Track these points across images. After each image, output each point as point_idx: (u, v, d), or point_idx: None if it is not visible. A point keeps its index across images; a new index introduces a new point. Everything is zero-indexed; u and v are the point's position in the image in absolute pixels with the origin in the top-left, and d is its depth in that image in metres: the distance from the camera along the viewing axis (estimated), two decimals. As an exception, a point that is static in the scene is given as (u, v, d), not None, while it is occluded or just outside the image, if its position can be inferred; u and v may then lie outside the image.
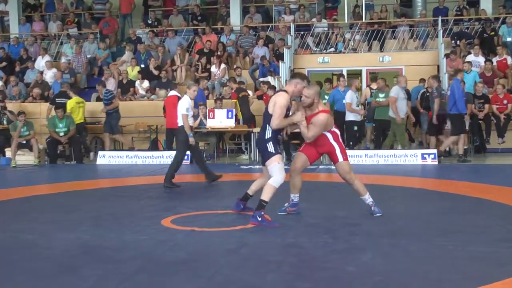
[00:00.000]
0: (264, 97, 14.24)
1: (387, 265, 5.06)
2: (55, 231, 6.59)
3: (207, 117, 13.25)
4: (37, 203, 8.54)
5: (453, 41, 16.59)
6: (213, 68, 16.04)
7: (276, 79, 15.27)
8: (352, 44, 17.54)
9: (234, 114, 13.22)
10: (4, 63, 17.78)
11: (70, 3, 20.72)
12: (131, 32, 18.40)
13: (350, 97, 13.11)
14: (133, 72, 16.49)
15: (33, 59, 17.79)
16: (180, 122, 9.67)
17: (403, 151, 12.70)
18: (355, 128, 13.36)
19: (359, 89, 14.93)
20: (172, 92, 13.51)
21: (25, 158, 13.50)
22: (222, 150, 14.38)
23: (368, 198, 7.11)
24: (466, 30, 17.07)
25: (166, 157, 13.17)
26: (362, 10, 17.02)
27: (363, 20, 17.36)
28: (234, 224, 6.71)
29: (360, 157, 12.56)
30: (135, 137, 15.34)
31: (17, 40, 18.84)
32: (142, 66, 16.70)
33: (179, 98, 13.50)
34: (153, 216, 7.18)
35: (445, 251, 5.41)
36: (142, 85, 15.99)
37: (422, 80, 14.59)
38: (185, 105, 9.67)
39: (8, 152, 13.68)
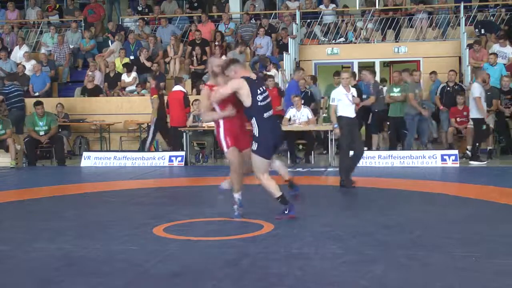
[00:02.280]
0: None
1: (402, 279, 5.06)
2: (34, 241, 6.58)
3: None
4: (14, 210, 8.55)
5: (476, 30, 16.59)
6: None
7: (280, 72, 15.27)
8: (364, 33, 17.55)
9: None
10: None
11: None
12: (110, 25, 18.36)
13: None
14: (121, 64, 16.51)
15: (9, 49, 17.79)
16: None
17: (420, 152, 12.70)
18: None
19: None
20: (177, 87, 13.60)
21: (1, 160, 13.50)
22: (220, 151, 14.37)
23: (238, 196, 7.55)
24: (491, 18, 17.07)
25: (158, 158, 13.18)
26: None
27: (377, 7, 17.37)
28: (233, 233, 6.72)
29: (373, 158, 12.56)
30: (123, 137, 15.37)
31: (-8, 28, 18.87)
32: (132, 57, 16.72)
33: (184, 94, 13.62)
34: (143, 224, 7.19)
35: (467, 264, 5.41)
36: (128, 78, 15.98)
37: (433, 73, 14.54)
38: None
39: (-18, 154, 13.70)
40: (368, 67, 16.79)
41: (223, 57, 15.89)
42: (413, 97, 12.79)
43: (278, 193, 7.28)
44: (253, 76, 7.25)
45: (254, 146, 7.08)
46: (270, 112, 7.14)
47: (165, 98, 14.11)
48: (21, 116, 14.61)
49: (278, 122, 7.58)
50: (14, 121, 14.32)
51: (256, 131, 7.05)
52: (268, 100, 7.13)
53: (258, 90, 7.00)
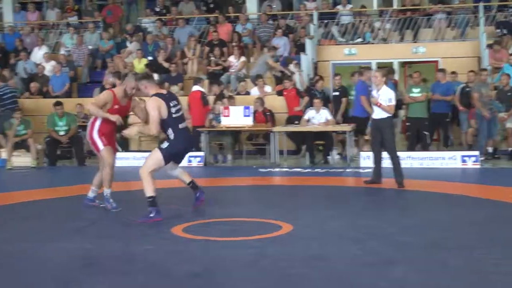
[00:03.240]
0: (285, 93, 14.23)
1: (422, 280, 5.02)
2: (54, 241, 6.62)
3: (221, 114, 13.25)
4: (34, 209, 8.59)
5: (498, 30, 16.45)
6: (232, 58, 16.03)
7: (298, 73, 15.22)
8: (382, 33, 17.48)
9: (251, 111, 13.17)
10: (-3, 55, 17.92)
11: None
12: (128, 26, 18.44)
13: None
14: (140, 64, 16.54)
15: (28, 50, 17.91)
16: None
17: (440, 153, 12.61)
18: None
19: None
20: (196, 87, 13.66)
21: (22, 160, 13.59)
22: (238, 152, 14.37)
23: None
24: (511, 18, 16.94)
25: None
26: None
27: (394, 7, 17.29)
28: (251, 234, 6.71)
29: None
30: (142, 137, 15.39)
31: (13, 30, 18.96)
32: (150, 58, 16.76)
33: (202, 93, 13.66)
34: (162, 224, 7.20)
35: (488, 266, 5.36)
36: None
37: (440, 71, 14.30)
38: None
39: (4, 153, 13.79)
40: (386, 67, 16.69)
41: (242, 58, 15.93)
42: (477, 97, 12.70)
43: (152, 193, 7.39)
44: (163, 91, 7.77)
45: (164, 145, 7.49)
46: (184, 124, 7.64)
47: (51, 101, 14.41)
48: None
49: (190, 134, 8.15)
50: (8, 123, 14.26)
51: (172, 136, 7.45)
52: (181, 113, 7.60)
53: (171, 103, 7.45)
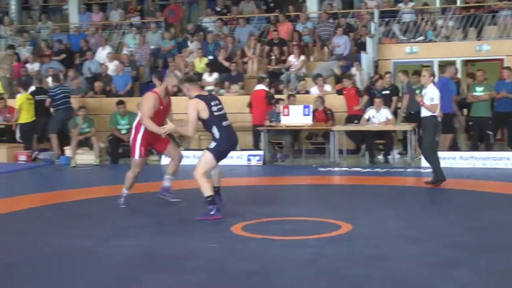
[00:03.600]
0: (344, 92, 14.13)
1: (484, 282, 4.93)
2: (115, 237, 6.74)
3: (281, 113, 13.24)
4: (97, 206, 8.77)
5: None
6: (292, 58, 16.01)
7: (359, 72, 15.11)
8: (445, 31, 17.17)
9: (310, 110, 13.12)
10: (63, 55, 18.32)
11: (132, -11, 21.19)
12: (189, 26, 18.62)
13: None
14: (200, 64, 16.68)
15: (93, 50, 18.27)
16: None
17: (504, 153, 12.31)
18: None
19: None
20: (260, 86, 13.76)
21: (85, 158, 13.85)
22: (298, 151, 14.33)
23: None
24: None
25: (236, 157, 13.24)
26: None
27: (458, 4, 16.96)
28: (309, 233, 6.69)
29: (453, 159, 12.25)
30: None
31: (78, 30, 19.37)
32: (210, 57, 16.88)
33: (266, 92, 13.73)
34: (222, 222, 7.24)
35: (555, 269, 5.22)
36: (209, 79, 16.11)
37: (506, 69, 13.89)
38: None
39: (68, 151, 14.10)
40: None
41: (302, 57, 15.89)
42: None
43: (209, 193, 7.47)
44: (205, 93, 8.03)
45: (212, 145, 7.62)
46: (228, 122, 7.76)
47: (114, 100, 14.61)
48: (67, 117, 14.70)
49: (234, 132, 8.01)
50: (59, 122, 14.59)
51: (217, 135, 7.61)
52: (223, 111, 7.75)
53: (212, 103, 7.63)
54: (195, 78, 8.53)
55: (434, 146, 9.97)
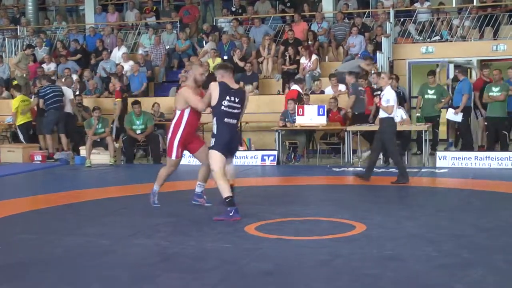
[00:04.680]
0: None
1: (501, 284, 4.91)
2: (131, 237, 6.78)
3: (296, 113, 13.23)
4: (113, 206, 8.81)
5: None
6: (303, 60, 16.01)
7: (373, 70, 15.08)
8: (461, 31, 17.09)
9: (325, 110, 13.09)
10: (79, 55, 18.43)
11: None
12: (205, 26, 18.67)
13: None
14: (214, 64, 16.71)
15: (109, 50, 18.36)
16: None
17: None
18: None
19: None
20: (295, 86, 13.90)
21: (100, 158, 13.92)
22: (312, 151, 14.33)
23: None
24: None
25: (250, 157, 13.28)
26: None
27: (474, 4, 16.88)
28: (324, 233, 6.70)
29: (469, 159, 12.20)
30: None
31: (94, 31, 19.48)
32: (225, 57, 16.92)
33: (299, 93, 13.75)
34: (236, 222, 7.25)
35: None
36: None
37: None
38: None
39: (83, 151, 14.18)
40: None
41: (313, 56, 15.87)
42: None
43: (228, 194, 7.44)
44: (233, 86, 7.79)
45: (212, 142, 7.65)
46: (232, 121, 7.66)
47: (129, 100, 14.71)
48: (60, 116, 14.90)
49: (236, 131, 8.07)
50: (52, 122, 14.78)
51: (214, 130, 7.64)
52: (235, 111, 7.66)
53: (227, 97, 7.58)
54: (230, 66, 8.27)
55: (394, 145, 10.40)
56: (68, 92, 15.33)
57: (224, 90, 7.61)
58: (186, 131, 8.13)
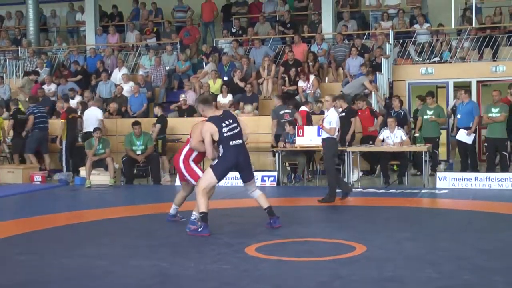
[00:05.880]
0: (359, 113, 14.12)
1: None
2: (130, 258, 6.76)
3: (296, 134, 13.24)
4: (112, 227, 8.80)
5: None
6: (301, 83, 16.00)
7: (374, 92, 15.11)
8: (460, 52, 17.16)
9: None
10: (79, 77, 18.48)
11: (149, 11, 21.37)
12: (205, 47, 18.75)
13: None
14: (215, 85, 16.76)
15: (109, 71, 18.41)
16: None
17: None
18: None
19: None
20: (303, 107, 14.12)
21: (100, 178, 13.92)
22: (312, 172, 14.32)
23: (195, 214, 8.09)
24: None
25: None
26: (472, 13, 16.62)
27: (473, 25, 16.97)
28: (325, 254, 6.68)
29: (469, 180, 12.20)
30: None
31: (95, 52, 19.55)
32: (226, 78, 16.96)
33: (307, 112, 13.83)
34: (236, 243, 7.24)
35: None
36: (223, 100, 16.13)
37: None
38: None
39: (83, 172, 14.18)
40: (464, 87, 16.37)
41: (312, 77, 15.90)
42: None
43: (204, 210, 7.76)
44: (219, 113, 8.11)
45: (214, 162, 7.96)
46: (237, 141, 7.97)
47: (79, 120, 15.16)
48: (44, 137, 15.26)
49: (243, 150, 8.16)
50: (36, 141, 15.07)
51: (221, 153, 7.93)
52: (236, 130, 7.96)
53: (223, 124, 7.88)
54: (210, 99, 8.67)
55: (333, 165, 10.75)
56: (98, 113, 15.43)
57: (216, 121, 7.92)
58: (195, 161, 8.49)
